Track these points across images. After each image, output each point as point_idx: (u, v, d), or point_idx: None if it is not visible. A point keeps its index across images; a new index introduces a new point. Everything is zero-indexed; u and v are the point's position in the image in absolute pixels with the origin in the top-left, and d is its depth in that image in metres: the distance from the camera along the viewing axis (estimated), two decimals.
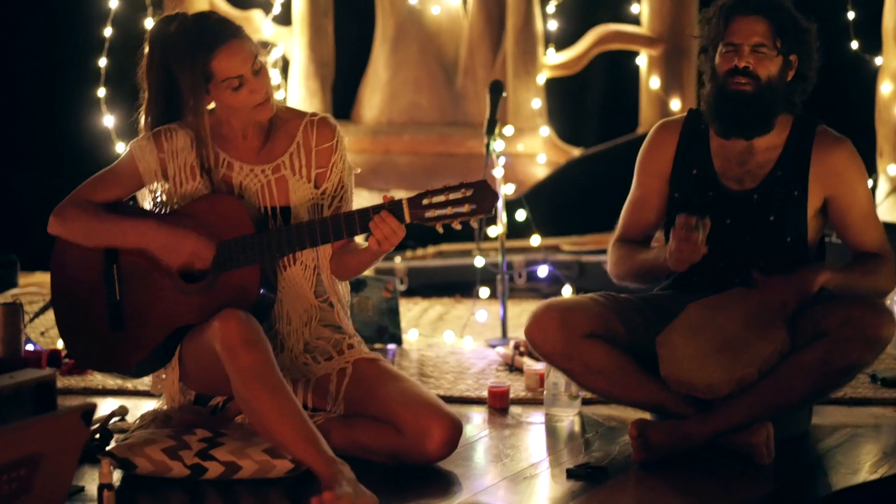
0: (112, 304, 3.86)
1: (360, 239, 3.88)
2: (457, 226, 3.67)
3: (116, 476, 3.64)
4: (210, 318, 3.67)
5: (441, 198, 3.65)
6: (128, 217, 3.87)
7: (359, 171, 3.99)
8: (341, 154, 3.93)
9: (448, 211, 3.65)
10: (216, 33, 3.77)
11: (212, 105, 3.88)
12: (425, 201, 3.65)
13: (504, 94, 5.58)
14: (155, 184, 3.92)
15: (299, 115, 3.95)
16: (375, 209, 3.68)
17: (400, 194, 7.77)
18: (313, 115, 3.95)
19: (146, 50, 3.86)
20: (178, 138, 3.89)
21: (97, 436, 3.91)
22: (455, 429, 3.73)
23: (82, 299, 3.90)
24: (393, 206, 3.67)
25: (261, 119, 3.86)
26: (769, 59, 4.03)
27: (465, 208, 3.64)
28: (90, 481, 3.57)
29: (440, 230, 3.68)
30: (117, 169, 3.94)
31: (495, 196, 3.66)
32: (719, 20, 4.06)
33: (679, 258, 3.93)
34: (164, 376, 3.94)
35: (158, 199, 3.93)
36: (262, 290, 3.77)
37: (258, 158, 3.90)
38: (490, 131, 5.52)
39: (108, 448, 3.73)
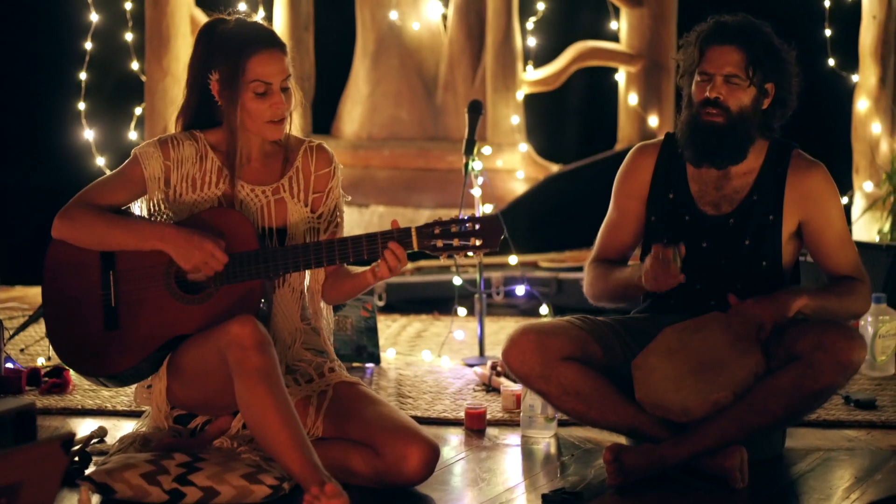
0: (107, 307, 3.87)
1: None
2: (461, 258, 3.77)
3: (95, 501, 3.65)
4: (209, 327, 3.72)
5: (450, 229, 3.76)
6: (141, 220, 3.88)
7: (349, 199, 4.07)
8: (338, 181, 4.00)
9: (455, 242, 3.76)
10: (264, 37, 3.86)
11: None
12: (435, 231, 3.76)
13: (483, 114, 5.59)
14: (156, 193, 3.92)
15: (298, 140, 4.00)
16: (384, 235, 3.76)
17: (379, 209, 7.91)
18: (310, 141, 4.01)
19: (194, 45, 3.92)
20: (184, 148, 3.93)
21: (76, 458, 3.92)
22: (432, 452, 3.76)
23: (76, 299, 3.88)
24: (402, 234, 3.76)
25: (269, 137, 3.90)
26: (741, 90, 4.05)
27: (472, 241, 3.76)
28: None
29: (444, 260, 3.76)
30: (122, 174, 3.95)
31: (501, 231, 3.78)
32: (695, 48, 4.08)
33: (656, 286, 3.97)
34: (149, 386, 3.95)
35: (154, 209, 3.94)
36: (262, 304, 3.81)
37: (258, 179, 3.95)
38: (469, 151, 5.53)
39: (86, 473, 3.74)
